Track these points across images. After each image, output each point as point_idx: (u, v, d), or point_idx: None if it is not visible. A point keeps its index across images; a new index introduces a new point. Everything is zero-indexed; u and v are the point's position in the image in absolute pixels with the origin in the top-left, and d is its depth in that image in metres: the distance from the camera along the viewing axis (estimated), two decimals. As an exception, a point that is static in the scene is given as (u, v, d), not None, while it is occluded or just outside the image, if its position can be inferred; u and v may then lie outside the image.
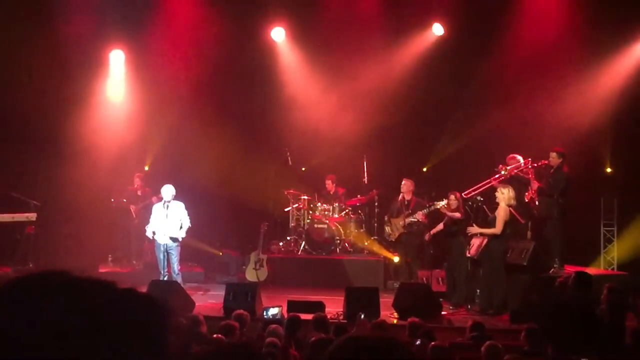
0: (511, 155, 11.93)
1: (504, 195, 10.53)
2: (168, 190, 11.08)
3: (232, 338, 6.42)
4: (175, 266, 11.12)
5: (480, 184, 11.68)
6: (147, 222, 11.23)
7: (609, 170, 13.56)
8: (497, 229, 10.44)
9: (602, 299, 7.75)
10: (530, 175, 11.56)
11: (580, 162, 12.18)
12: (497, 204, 10.61)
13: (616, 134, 13.26)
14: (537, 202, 11.44)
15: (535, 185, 11.44)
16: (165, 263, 11.19)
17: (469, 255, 10.82)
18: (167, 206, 11.05)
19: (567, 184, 11.39)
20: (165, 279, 11.01)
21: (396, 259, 12.52)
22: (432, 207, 11.66)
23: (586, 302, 7.20)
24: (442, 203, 11.42)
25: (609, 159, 13.55)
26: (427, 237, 11.61)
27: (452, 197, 11.27)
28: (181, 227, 11.06)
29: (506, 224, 10.51)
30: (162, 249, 11.12)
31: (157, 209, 11.19)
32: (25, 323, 1.00)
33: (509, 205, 10.56)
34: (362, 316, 8.32)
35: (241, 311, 7.67)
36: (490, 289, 10.56)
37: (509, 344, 6.82)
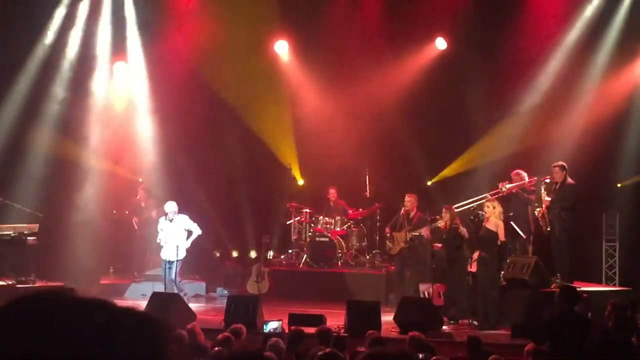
0: (516, 171, 11.91)
1: (495, 211, 10.55)
2: (170, 206, 11.12)
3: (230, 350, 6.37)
4: (173, 276, 11.11)
5: (475, 199, 11.66)
6: (149, 234, 11.21)
7: (619, 185, 13.44)
8: (502, 237, 10.47)
9: (607, 316, 7.66)
10: (532, 196, 11.57)
11: (584, 176, 12.14)
12: (485, 218, 10.60)
13: (620, 148, 13.23)
14: (547, 218, 11.38)
15: (547, 200, 11.39)
16: (166, 275, 11.22)
17: (470, 270, 10.79)
18: (172, 220, 11.10)
19: (577, 197, 11.35)
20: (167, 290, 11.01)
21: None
22: (435, 224, 11.60)
23: (574, 316, 7.15)
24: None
25: (616, 174, 13.44)
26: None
27: (445, 210, 11.24)
28: (188, 237, 11.12)
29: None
30: (163, 265, 11.21)
31: (162, 224, 11.22)
32: (23, 346, 1.00)
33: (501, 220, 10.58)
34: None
35: (238, 325, 7.63)
36: (487, 303, 10.54)
37: (511, 359, 6.80)
